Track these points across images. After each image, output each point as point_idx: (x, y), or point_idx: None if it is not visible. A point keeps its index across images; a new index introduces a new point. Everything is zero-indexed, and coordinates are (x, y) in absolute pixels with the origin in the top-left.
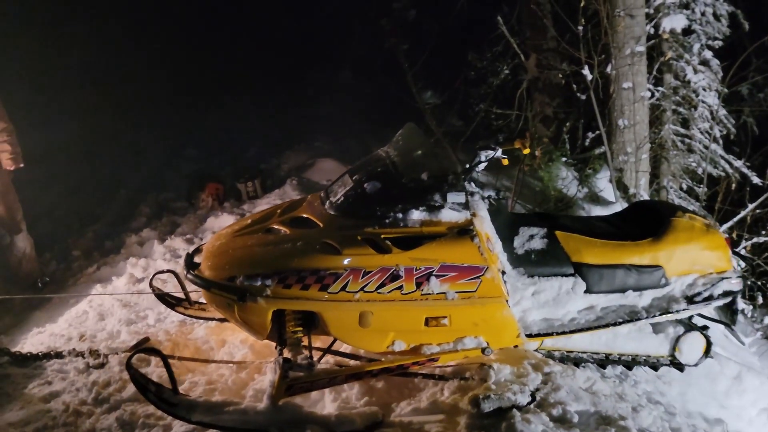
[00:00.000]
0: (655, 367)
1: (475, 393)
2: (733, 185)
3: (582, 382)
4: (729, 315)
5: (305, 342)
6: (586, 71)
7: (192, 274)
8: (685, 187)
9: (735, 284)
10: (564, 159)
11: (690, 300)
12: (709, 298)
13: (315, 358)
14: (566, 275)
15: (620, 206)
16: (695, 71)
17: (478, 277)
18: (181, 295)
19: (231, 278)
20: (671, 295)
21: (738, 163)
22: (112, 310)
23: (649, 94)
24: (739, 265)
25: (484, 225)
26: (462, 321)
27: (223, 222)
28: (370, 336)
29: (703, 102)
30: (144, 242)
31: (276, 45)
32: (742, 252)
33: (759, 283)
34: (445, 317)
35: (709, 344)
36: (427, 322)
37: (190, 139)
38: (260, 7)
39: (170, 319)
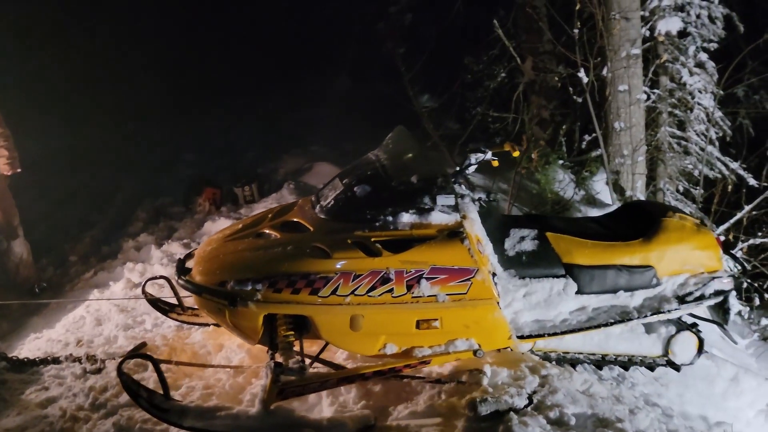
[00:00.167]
0: (651, 368)
1: (472, 396)
2: (730, 187)
3: (579, 385)
4: (721, 314)
5: (297, 346)
6: (582, 74)
7: (183, 279)
8: (681, 189)
9: (726, 283)
10: (561, 162)
11: (681, 300)
12: (701, 298)
13: (307, 362)
14: (557, 276)
15: None
16: (691, 73)
17: (468, 280)
18: (174, 301)
19: (222, 283)
20: (663, 295)
21: (734, 165)
22: (110, 315)
23: (645, 96)
24: (736, 267)
25: (475, 227)
26: (453, 323)
27: (220, 226)
28: (362, 339)
29: (699, 104)
30: (141, 247)
31: (273, 49)
32: (739, 254)
33: (755, 284)
34: (436, 320)
35: (701, 342)
36: (418, 324)
37: (187, 144)
38: (257, 11)
39: (167, 324)
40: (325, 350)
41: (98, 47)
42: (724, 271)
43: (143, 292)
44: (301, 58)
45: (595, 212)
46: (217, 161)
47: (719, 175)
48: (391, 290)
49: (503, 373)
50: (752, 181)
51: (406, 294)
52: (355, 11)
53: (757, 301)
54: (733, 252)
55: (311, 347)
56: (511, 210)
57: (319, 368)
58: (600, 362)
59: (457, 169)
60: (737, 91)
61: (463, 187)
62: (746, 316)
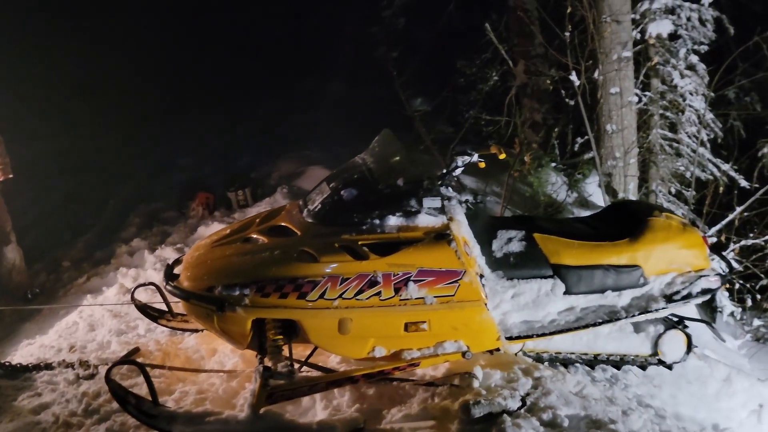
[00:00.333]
0: (643, 367)
1: (466, 399)
2: (721, 188)
3: (572, 386)
4: (709, 313)
5: (286, 350)
6: (573, 77)
7: (171, 285)
8: (673, 190)
9: (713, 282)
10: (553, 164)
11: (669, 298)
12: (688, 296)
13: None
14: (545, 277)
15: None
16: (682, 76)
17: (456, 281)
18: (164, 307)
19: (209, 288)
20: (650, 294)
21: (725, 167)
22: (103, 320)
23: (636, 98)
24: (729, 267)
25: (462, 229)
26: (441, 325)
27: (213, 231)
28: (350, 343)
29: (690, 106)
30: (134, 252)
31: (267, 53)
32: (731, 255)
33: (748, 285)
34: (425, 322)
35: (690, 340)
36: (406, 327)
37: (180, 149)
38: (251, 15)
39: (160, 329)
40: (320, 354)
41: (90, 51)
42: (711, 269)
43: (132, 299)
44: (294, 62)
45: (587, 214)
46: (210, 166)
47: (711, 177)
48: (378, 293)
49: (496, 376)
50: (744, 183)
51: (393, 297)
52: (348, 15)
53: (749, 302)
54: (724, 253)
55: (306, 351)
56: (504, 213)
57: (312, 371)
58: (592, 362)
59: (444, 171)
60: (728, 93)
61: (449, 189)
62: (739, 317)
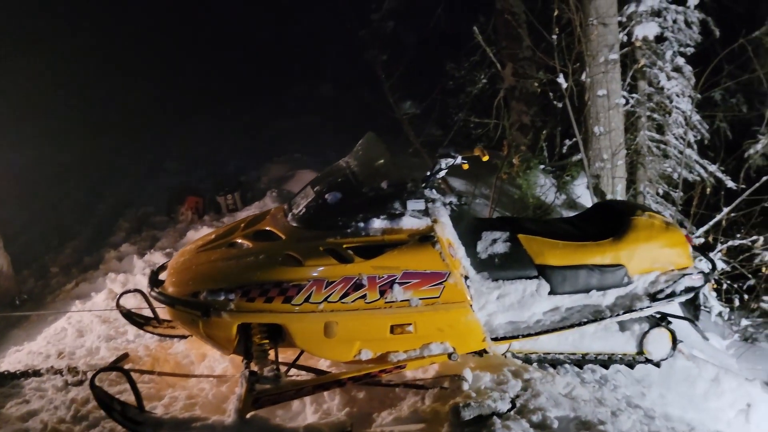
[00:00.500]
0: (631, 366)
1: (456, 401)
2: (708, 189)
3: (561, 388)
4: (692, 311)
5: (272, 355)
6: (561, 79)
7: (156, 291)
8: (661, 192)
9: (696, 280)
10: (542, 166)
11: (653, 297)
12: (672, 295)
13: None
14: (530, 278)
15: None
16: (668, 78)
17: (440, 283)
18: (150, 313)
19: (195, 294)
20: (634, 293)
21: (712, 168)
22: (91, 326)
23: (623, 101)
24: (713, 266)
25: (446, 231)
26: (427, 327)
27: (202, 235)
28: (336, 346)
29: (676, 108)
30: (123, 257)
31: (256, 58)
32: (718, 255)
33: (735, 286)
34: (410, 324)
35: (674, 336)
36: (392, 329)
37: (170, 153)
38: (240, 20)
39: (150, 335)
40: (309, 358)
41: (79, 57)
42: (694, 267)
43: (117, 306)
44: (283, 66)
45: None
46: (200, 170)
47: (698, 178)
48: (364, 296)
49: (486, 378)
50: (730, 184)
51: (379, 299)
52: (337, 19)
53: (737, 303)
54: (712, 253)
55: (293, 355)
56: (493, 215)
57: (302, 374)
58: (581, 362)
59: (428, 174)
60: (714, 94)
61: (434, 191)
62: (727, 317)
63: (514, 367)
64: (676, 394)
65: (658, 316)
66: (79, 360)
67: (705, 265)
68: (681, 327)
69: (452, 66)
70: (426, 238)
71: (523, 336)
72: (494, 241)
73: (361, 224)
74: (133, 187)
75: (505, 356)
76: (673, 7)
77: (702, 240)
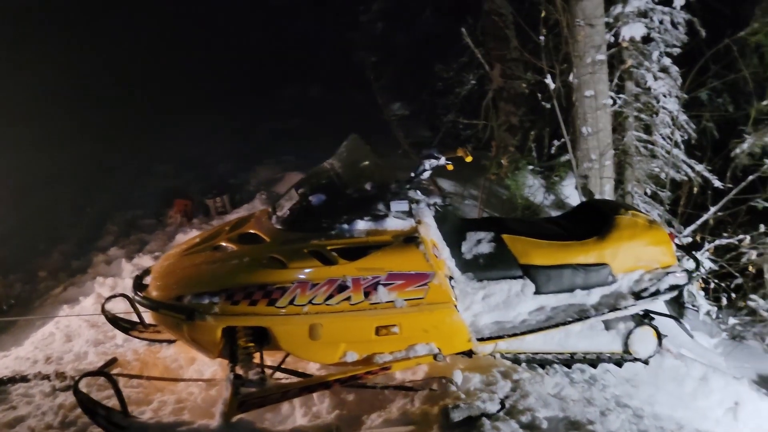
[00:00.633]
0: (620, 364)
1: (445, 403)
2: (696, 189)
3: (550, 388)
4: (677, 308)
5: (257, 358)
6: (549, 80)
7: (140, 295)
8: (649, 191)
9: (680, 278)
10: (530, 167)
11: (637, 295)
12: (656, 293)
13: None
14: (515, 277)
15: None
16: (655, 78)
17: (425, 284)
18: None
19: (179, 298)
20: (619, 292)
21: (699, 167)
22: (80, 331)
23: (611, 101)
24: (696, 264)
25: (430, 232)
26: (412, 328)
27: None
28: (322, 348)
29: (663, 108)
30: (111, 261)
31: (245, 59)
32: (705, 254)
33: (723, 284)
34: (395, 325)
35: (659, 335)
36: (377, 331)
37: (158, 156)
38: (229, 21)
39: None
40: (298, 360)
41: (66, 60)
42: (677, 265)
43: (103, 311)
44: (272, 68)
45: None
46: (188, 173)
47: (685, 178)
48: (348, 298)
49: (475, 379)
50: (717, 183)
51: (363, 301)
52: (326, 20)
53: (725, 301)
54: (699, 252)
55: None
56: (482, 216)
57: (292, 378)
58: (569, 361)
59: (412, 175)
60: (701, 94)
61: (418, 192)
62: (714, 316)
63: (503, 368)
64: (664, 393)
65: (642, 314)
66: (67, 365)
67: (691, 264)
68: (667, 325)
69: (441, 67)
70: (410, 239)
71: (509, 336)
72: (479, 241)
73: (345, 226)
74: (121, 191)
75: (494, 357)
76: (660, 7)
77: (690, 239)
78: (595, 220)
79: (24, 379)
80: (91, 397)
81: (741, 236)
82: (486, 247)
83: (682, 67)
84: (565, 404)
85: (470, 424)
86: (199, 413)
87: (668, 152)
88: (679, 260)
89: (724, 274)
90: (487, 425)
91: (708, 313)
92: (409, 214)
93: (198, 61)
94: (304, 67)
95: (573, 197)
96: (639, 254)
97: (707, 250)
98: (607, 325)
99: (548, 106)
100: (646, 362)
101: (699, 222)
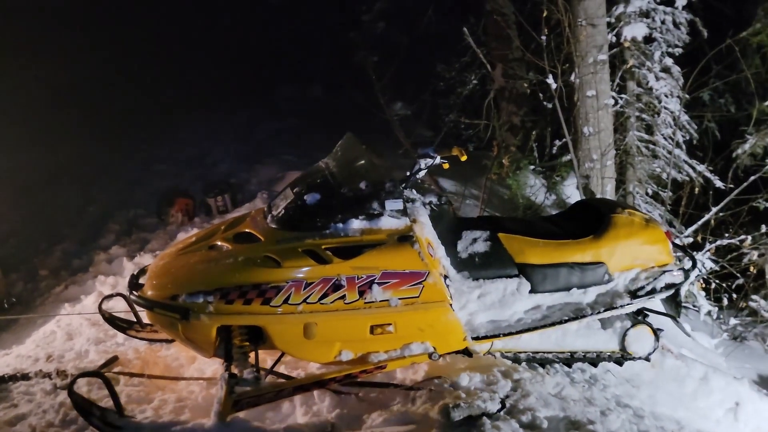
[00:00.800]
0: (620, 362)
1: (445, 402)
2: (697, 189)
3: (551, 388)
4: (674, 307)
5: (252, 357)
6: (550, 80)
7: (135, 294)
8: (650, 192)
9: (677, 276)
10: (532, 167)
11: (634, 294)
12: (652, 292)
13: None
14: (511, 276)
15: None
16: (657, 78)
17: (420, 283)
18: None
19: (174, 297)
20: (615, 291)
21: (701, 168)
22: (81, 329)
23: (612, 101)
24: (692, 262)
25: (425, 230)
26: (407, 327)
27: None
28: (317, 347)
29: (665, 108)
30: (113, 260)
31: (246, 59)
32: (707, 255)
33: (724, 285)
34: (390, 324)
35: (656, 332)
36: (372, 330)
37: (159, 155)
38: (229, 21)
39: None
40: (299, 361)
41: (67, 59)
42: (674, 264)
43: (99, 310)
44: (273, 67)
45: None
46: (189, 172)
47: (687, 178)
48: (343, 297)
49: (475, 378)
50: (719, 183)
51: (358, 300)
52: (327, 20)
53: (725, 302)
54: (698, 252)
55: (288, 358)
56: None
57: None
58: (569, 360)
59: (407, 174)
60: (702, 94)
61: (413, 191)
62: (715, 317)
63: (504, 368)
64: (665, 393)
65: (644, 315)
66: (68, 363)
67: (688, 263)
68: (666, 325)
69: (443, 67)
70: (405, 238)
71: (505, 335)
72: (474, 240)
73: (340, 225)
74: (123, 190)
75: (494, 356)
76: (662, 8)
77: (691, 239)
78: (591, 219)
79: (25, 377)
80: (85, 398)
81: (742, 237)
82: (481, 246)
83: (683, 67)
84: (566, 404)
85: (471, 423)
86: (200, 412)
87: (670, 152)
88: (679, 260)
89: (726, 274)
90: (488, 425)
91: (709, 314)
92: (404, 212)
93: (198, 60)
94: (305, 67)
95: (574, 197)
96: (635, 253)
97: (708, 251)
98: (604, 324)
99: (550, 106)
100: (647, 359)
101: (700, 222)
